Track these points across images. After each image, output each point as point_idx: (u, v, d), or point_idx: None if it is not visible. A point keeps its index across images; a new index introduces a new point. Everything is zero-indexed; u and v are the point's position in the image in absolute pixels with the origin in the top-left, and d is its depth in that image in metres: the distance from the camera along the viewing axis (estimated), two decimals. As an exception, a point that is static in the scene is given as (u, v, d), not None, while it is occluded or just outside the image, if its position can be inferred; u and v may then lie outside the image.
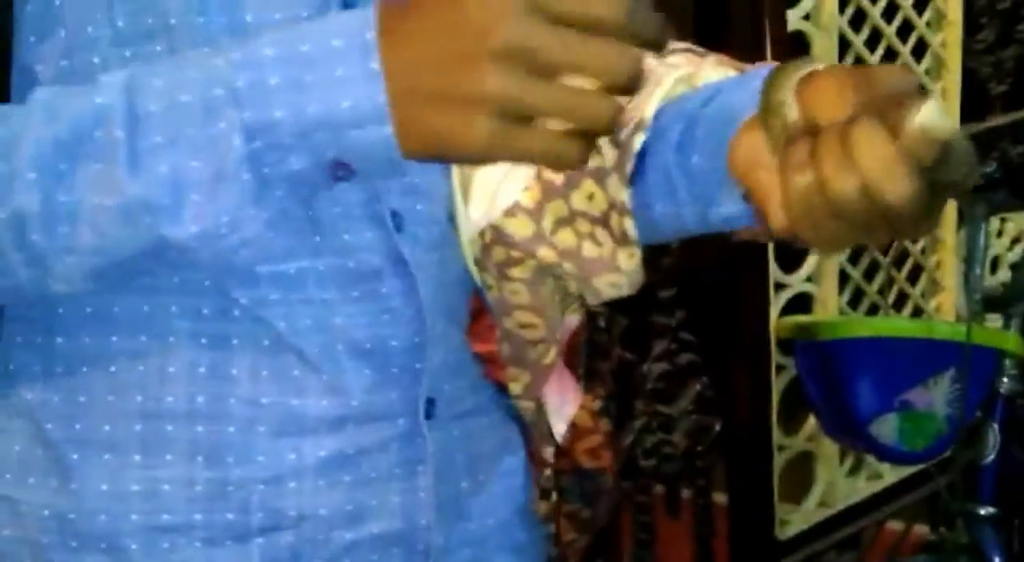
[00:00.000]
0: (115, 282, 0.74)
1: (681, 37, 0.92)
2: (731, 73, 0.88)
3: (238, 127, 0.66)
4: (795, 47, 2.30)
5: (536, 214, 0.87)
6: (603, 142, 0.86)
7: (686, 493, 2.35)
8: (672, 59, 0.88)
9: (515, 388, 0.93)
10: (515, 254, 0.87)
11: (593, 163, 0.86)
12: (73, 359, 0.80)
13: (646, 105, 0.85)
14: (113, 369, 0.80)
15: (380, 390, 0.83)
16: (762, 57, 2.26)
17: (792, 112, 0.68)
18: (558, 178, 0.86)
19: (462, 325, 0.90)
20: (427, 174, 0.85)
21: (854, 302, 2.57)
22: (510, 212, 0.86)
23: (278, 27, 0.71)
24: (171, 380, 0.80)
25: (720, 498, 2.33)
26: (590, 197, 0.87)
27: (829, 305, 2.43)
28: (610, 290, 0.89)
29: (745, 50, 2.23)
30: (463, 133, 0.63)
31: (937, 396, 2.17)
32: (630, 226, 0.86)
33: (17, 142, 0.69)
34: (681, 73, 0.87)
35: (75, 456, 0.80)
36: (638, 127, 0.85)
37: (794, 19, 2.29)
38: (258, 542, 0.81)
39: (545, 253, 0.87)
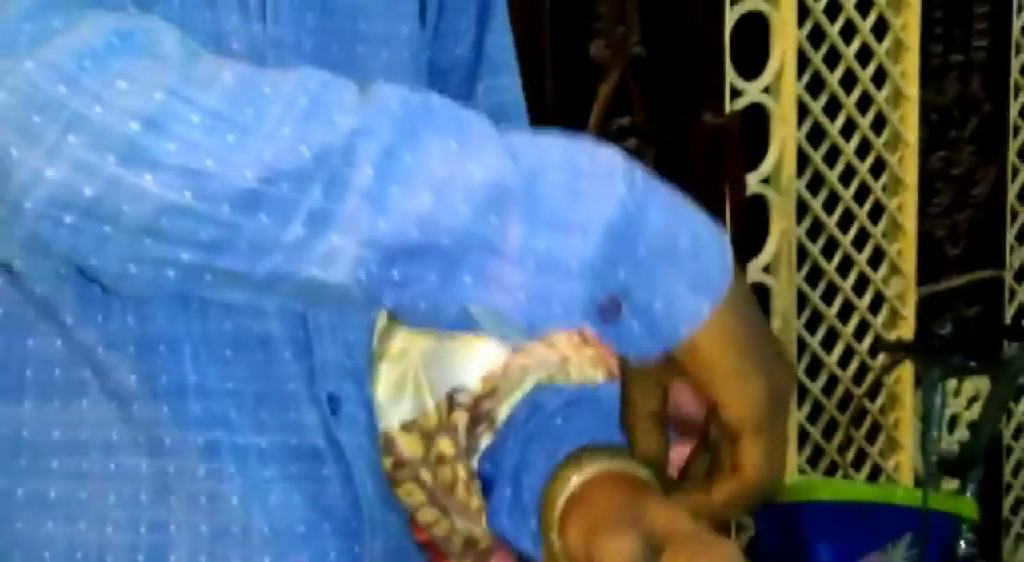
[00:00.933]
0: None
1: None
2: (599, 378, 0.87)
3: (622, 181, 0.65)
4: (754, 209, 2.35)
5: (429, 439, 0.87)
6: (461, 425, 0.87)
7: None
8: (555, 339, 0.87)
9: None
10: (399, 462, 0.87)
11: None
12: (5, 545, 0.78)
13: (501, 407, 0.85)
14: (47, 555, 0.78)
15: None
16: (722, 219, 2.31)
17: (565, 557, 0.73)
18: (457, 419, 0.87)
19: (402, 512, 0.90)
20: (363, 358, 0.86)
21: (814, 460, 2.58)
22: (407, 427, 0.86)
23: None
24: None
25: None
26: None
27: (789, 464, 2.44)
28: (464, 531, 0.89)
29: (705, 212, 2.27)
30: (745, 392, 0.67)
31: (896, 560, 2.17)
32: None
33: (363, 94, 0.65)
34: (547, 372, 0.87)
35: None
36: (490, 425, 0.85)
37: (753, 182, 2.34)
38: None
39: (425, 476, 0.87)
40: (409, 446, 0.87)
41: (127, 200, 0.63)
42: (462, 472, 0.87)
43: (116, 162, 0.62)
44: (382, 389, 0.87)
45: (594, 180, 0.65)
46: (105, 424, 0.77)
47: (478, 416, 0.85)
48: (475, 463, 0.86)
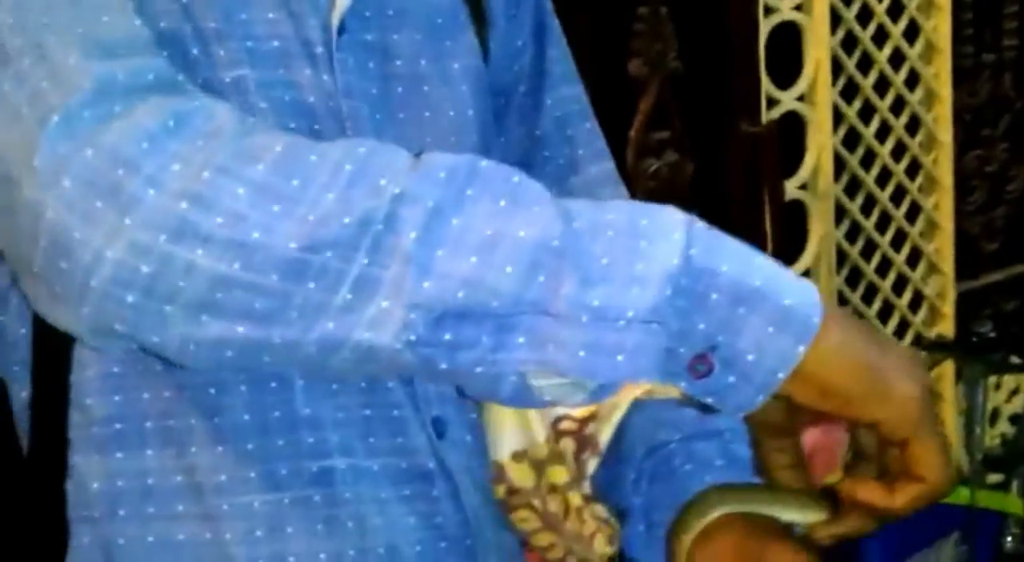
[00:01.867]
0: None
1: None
2: None
3: (682, 234, 0.65)
4: (793, 215, 2.38)
5: (539, 469, 0.89)
6: (569, 453, 0.89)
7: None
8: None
9: None
10: (512, 490, 0.90)
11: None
12: None
13: (602, 430, 0.87)
14: None
15: None
16: (761, 226, 2.35)
17: None
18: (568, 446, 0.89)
19: (516, 535, 0.91)
20: None
21: (858, 458, 2.61)
22: (517, 457, 0.89)
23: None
24: None
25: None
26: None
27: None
28: (580, 553, 0.90)
29: (744, 219, 2.32)
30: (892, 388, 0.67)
31: (943, 558, 2.20)
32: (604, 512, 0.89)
33: (413, 160, 0.66)
34: (642, 388, 0.89)
35: None
36: (593, 449, 0.87)
37: (791, 189, 2.38)
38: None
39: (538, 504, 0.89)
40: (520, 476, 0.89)
41: (181, 276, 0.66)
42: (575, 500, 0.89)
43: (167, 240, 0.66)
44: (491, 419, 0.89)
45: (652, 238, 0.66)
46: (213, 468, 0.80)
47: (583, 442, 0.88)
48: (587, 487, 0.88)
